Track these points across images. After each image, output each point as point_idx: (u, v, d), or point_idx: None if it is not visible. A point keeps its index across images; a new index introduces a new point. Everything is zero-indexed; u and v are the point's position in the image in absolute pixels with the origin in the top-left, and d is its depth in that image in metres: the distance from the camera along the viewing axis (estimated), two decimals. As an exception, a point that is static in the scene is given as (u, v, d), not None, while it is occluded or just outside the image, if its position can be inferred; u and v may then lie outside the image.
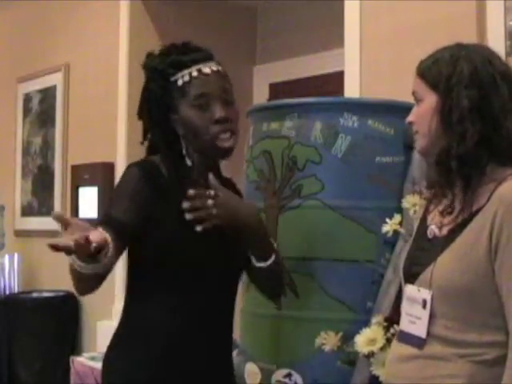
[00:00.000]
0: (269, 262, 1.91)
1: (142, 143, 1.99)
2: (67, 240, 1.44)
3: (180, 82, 1.88)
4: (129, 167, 1.88)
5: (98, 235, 1.54)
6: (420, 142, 1.67)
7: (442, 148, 1.59)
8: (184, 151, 1.90)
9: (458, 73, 1.58)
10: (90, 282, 1.67)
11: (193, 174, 1.90)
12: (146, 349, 1.85)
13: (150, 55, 1.96)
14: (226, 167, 2.05)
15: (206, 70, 1.89)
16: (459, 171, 1.56)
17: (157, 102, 1.90)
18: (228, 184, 2.03)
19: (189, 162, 1.90)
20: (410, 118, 1.68)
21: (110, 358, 1.93)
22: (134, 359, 1.86)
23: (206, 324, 1.87)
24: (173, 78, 1.89)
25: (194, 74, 1.88)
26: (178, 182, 1.85)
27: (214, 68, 1.90)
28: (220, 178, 1.99)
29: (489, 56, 1.62)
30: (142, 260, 1.86)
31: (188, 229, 1.79)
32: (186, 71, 1.89)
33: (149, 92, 1.93)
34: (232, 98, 1.91)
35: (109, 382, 1.92)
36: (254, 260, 1.91)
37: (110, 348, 1.94)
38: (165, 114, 1.90)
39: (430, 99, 1.62)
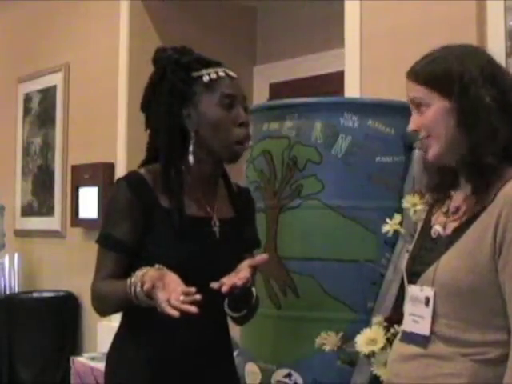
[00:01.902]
0: (238, 315, 1.91)
1: (148, 143, 1.97)
2: (177, 303, 1.59)
3: (206, 78, 1.88)
4: (117, 182, 1.89)
5: (179, 283, 1.64)
6: (434, 149, 1.61)
7: (469, 149, 1.55)
8: (191, 148, 1.87)
9: (468, 73, 1.55)
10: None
11: (189, 179, 1.89)
12: (147, 350, 1.85)
13: (163, 50, 1.94)
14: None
15: (232, 73, 1.92)
16: (492, 170, 1.53)
17: (175, 95, 1.87)
18: (240, 195, 2.03)
19: (191, 159, 1.87)
20: (413, 126, 1.64)
21: (111, 359, 1.94)
22: (134, 360, 1.86)
23: (205, 325, 1.87)
24: (196, 74, 1.89)
25: (221, 73, 1.89)
26: (168, 194, 1.85)
27: (235, 75, 1.92)
28: (229, 186, 2.00)
29: (487, 54, 1.63)
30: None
31: (178, 239, 1.82)
32: (211, 69, 1.89)
33: (167, 84, 1.88)
34: (248, 107, 1.93)
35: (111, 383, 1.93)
36: (225, 307, 1.89)
37: (112, 349, 1.95)
38: (179, 107, 1.88)
39: (439, 104, 1.58)
